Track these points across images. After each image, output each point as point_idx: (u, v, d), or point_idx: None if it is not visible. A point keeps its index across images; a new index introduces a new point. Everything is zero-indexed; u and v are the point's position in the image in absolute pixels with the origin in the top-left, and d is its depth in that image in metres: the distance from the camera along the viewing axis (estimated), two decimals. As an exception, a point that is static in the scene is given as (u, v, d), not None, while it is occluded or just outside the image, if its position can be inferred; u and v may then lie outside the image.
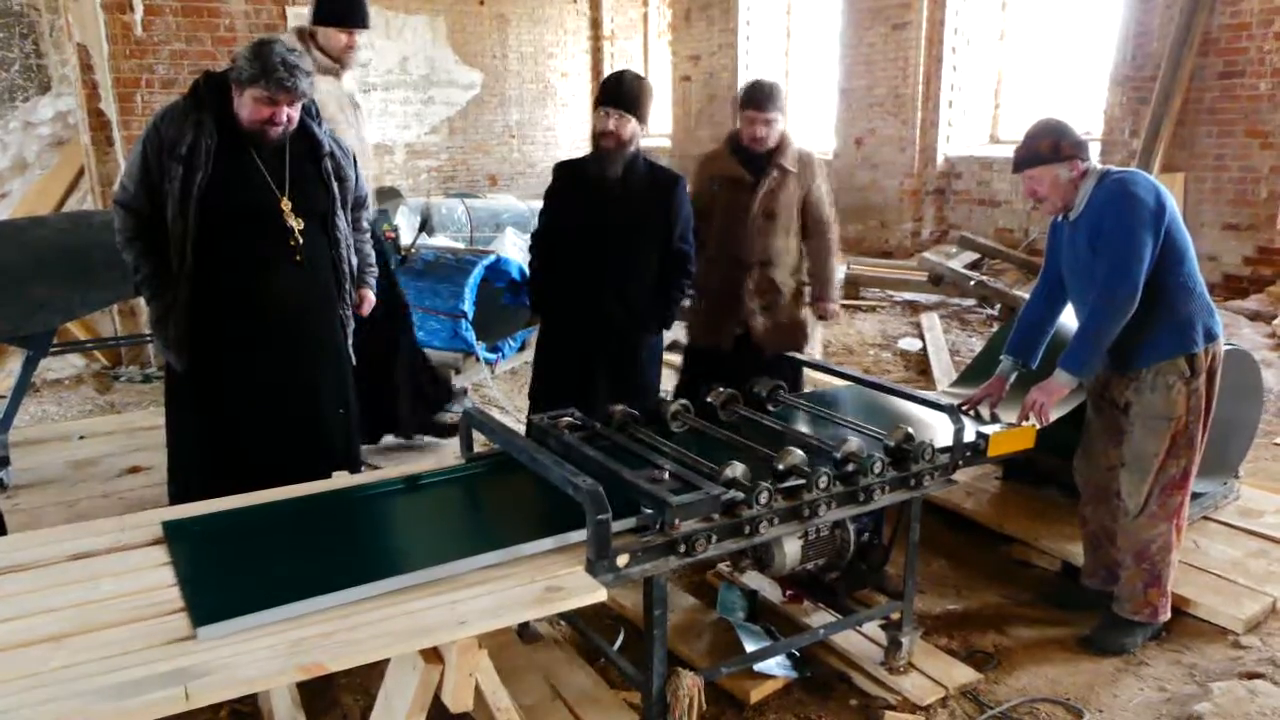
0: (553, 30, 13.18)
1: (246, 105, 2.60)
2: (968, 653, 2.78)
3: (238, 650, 1.69)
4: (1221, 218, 6.51)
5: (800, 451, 2.34)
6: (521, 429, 4.52)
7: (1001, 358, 2.97)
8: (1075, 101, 7.79)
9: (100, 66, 5.28)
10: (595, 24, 13.37)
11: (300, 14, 5.70)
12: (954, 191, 8.73)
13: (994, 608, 3.04)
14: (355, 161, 3.03)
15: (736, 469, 2.23)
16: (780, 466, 2.31)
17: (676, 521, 2.08)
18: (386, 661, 1.99)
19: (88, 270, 3.84)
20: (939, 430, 2.74)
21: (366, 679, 2.59)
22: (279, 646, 1.70)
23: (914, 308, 7.25)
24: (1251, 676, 2.52)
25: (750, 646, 2.61)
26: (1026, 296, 6.99)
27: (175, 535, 2.09)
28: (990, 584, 3.17)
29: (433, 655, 1.83)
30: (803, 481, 2.29)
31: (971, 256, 7.82)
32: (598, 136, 3.23)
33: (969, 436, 2.61)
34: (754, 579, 3.03)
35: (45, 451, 4.04)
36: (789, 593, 2.96)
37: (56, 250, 3.82)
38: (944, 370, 5.67)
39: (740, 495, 2.18)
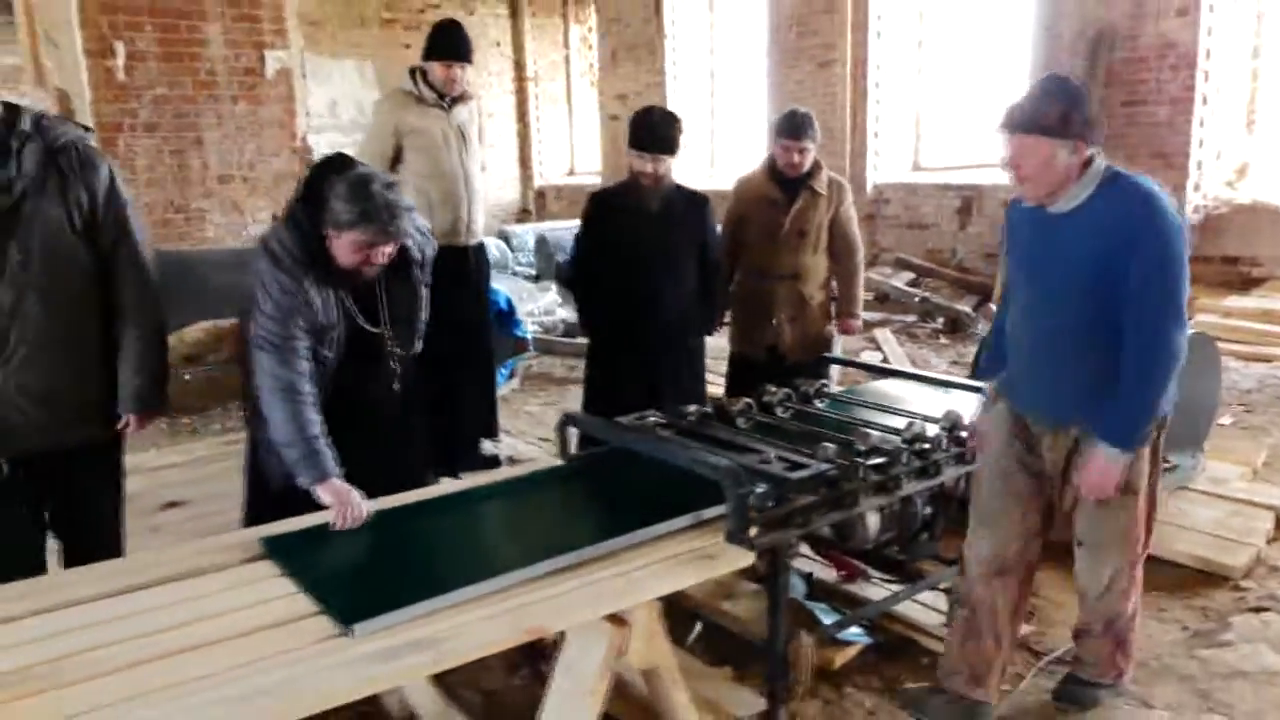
0: (476, 73, 13.38)
1: (343, 249, 2.42)
2: (1010, 612, 3.10)
3: (456, 622, 1.85)
4: (1133, 231, 7.20)
5: (877, 433, 2.63)
6: (526, 451, 4.72)
7: (983, 386, 2.69)
8: (993, 128, 8.45)
9: (82, 111, 5.26)
10: (519, 66, 13.68)
11: (280, 57, 5.84)
12: (883, 216, 9.31)
13: (1018, 575, 3.37)
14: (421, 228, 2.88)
15: (829, 449, 2.51)
16: (862, 447, 2.59)
17: (793, 496, 2.34)
18: (494, 657, 2.11)
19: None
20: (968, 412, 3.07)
21: (475, 676, 2.73)
22: (489, 619, 1.88)
23: (865, 325, 7.71)
24: (1259, 610, 2.92)
25: (825, 620, 2.87)
26: (966, 309, 7.51)
27: (277, 550, 2.15)
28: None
29: (615, 620, 2.02)
30: (886, 459, 2.58)
31: (908, 276, 8.38)
32: (636, 175, 3.52)
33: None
34: (802, 564, 3.29)
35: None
36: (842, 573, 3.24)
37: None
38: (908, 378, 6.09)
39: (840, 471, 2.45)
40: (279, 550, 2.15)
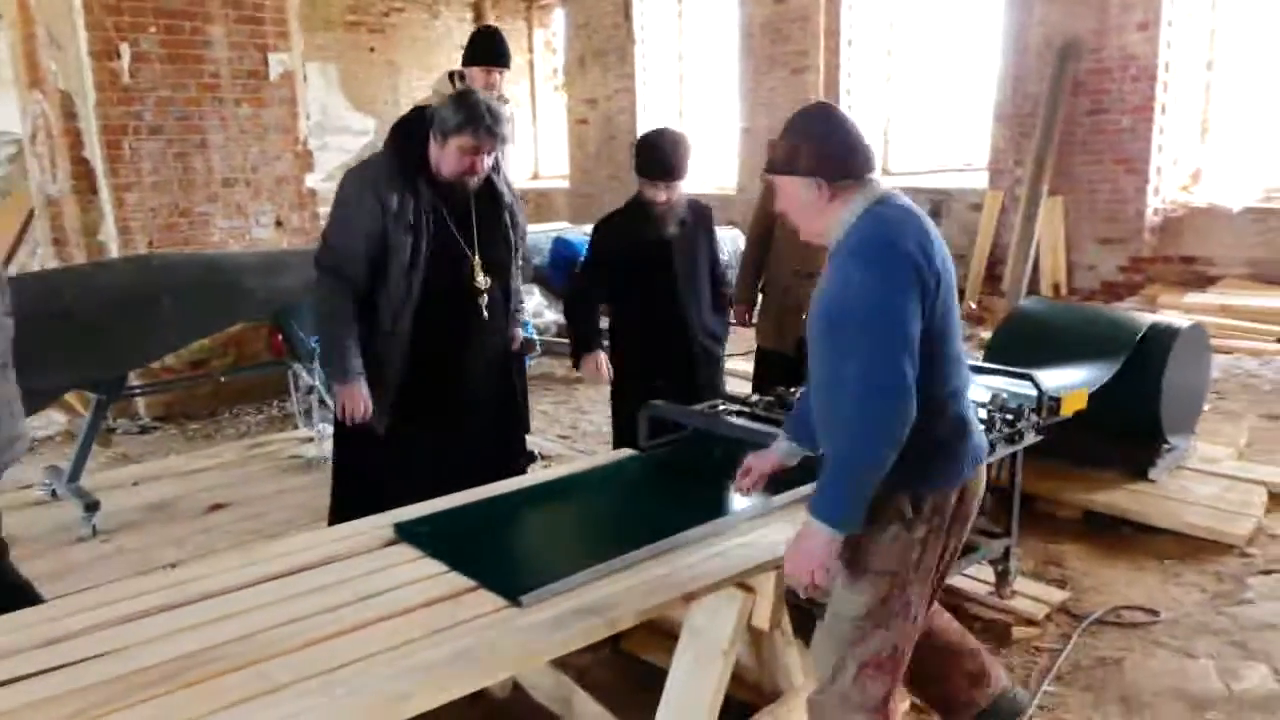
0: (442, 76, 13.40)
1: (450, 155, 2.63)
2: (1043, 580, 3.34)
3: (608, 592, 2.00)
4: (1097, 233, 7.61)
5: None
6: (550, 447, 4.85)
7: (781, 435, 2.28)
8: (961, 134, 8.84)
9: (85, 114, 5.22)
10: (483, 70, 13.70)
11: (282, 59, 5.86)
12: (855, 219, 9.61)
13: (1042, 551, 3.62)
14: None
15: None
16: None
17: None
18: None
19: (157, 314, 3.88)
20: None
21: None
22: (640, 587, 2.02)
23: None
24: (1270, 573, 3.20)
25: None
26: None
27: (411, 533, 2.26)
28: (1028, 531, 3.74)
29: (743, 586, 2.18)
30: (1012, 415, 2.82)
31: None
32: (649, 204, 3.45)
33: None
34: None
35: (110, 498, 3.98)
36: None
37: (125, 294, 3.84)
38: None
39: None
40: (413, 535, 2.26)
